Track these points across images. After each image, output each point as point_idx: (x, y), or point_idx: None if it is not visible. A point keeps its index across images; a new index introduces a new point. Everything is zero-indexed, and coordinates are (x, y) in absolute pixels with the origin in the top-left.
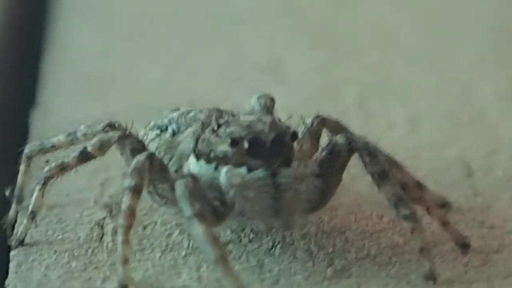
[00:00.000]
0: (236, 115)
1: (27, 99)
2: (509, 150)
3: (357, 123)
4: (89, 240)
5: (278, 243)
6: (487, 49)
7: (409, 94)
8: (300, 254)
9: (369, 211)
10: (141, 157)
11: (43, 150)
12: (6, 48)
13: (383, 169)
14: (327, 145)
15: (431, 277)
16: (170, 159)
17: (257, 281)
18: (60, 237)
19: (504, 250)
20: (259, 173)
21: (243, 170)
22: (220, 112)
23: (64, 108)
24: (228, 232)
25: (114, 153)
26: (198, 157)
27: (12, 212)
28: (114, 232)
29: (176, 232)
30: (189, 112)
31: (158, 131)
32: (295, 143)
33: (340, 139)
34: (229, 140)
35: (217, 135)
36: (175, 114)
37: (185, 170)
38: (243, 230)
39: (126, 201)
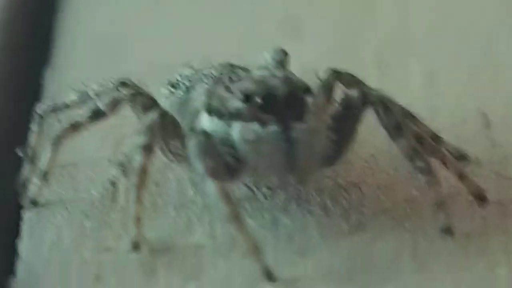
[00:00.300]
0: (249, 70)
1: (41, 59)
2: None
3: (374, 76)
4: (102, 199)
5: (293, 198)
6: (508, 5)
7: (428, 47)
8: (315, 210)
9: (384, 164)
10: (152, 114)
11: (55, 110)
12: (21, 8)
13: (398, 122)
14: (341, 99)
15: (448, 230)
16: (183, 116)
17: (272, 238)
18: (73, 196)
19: None
20: (273, 128)
21: (256, 125)
22: (232, 68)
23: (78, 68)
24: (242, 188)
25: (127, 111)
26: (210, 114)
27: (25, 172)
28: (127, 191)
29: (190, 189)
30: (201, 68)
31: (171, 88)
32: (308, 98)
33: (354, 92)
34: (241, 96)
35: (229, 91)
36: (188, 71)
37: (197, 126)
38: (257, 186)
39: (138, 159)
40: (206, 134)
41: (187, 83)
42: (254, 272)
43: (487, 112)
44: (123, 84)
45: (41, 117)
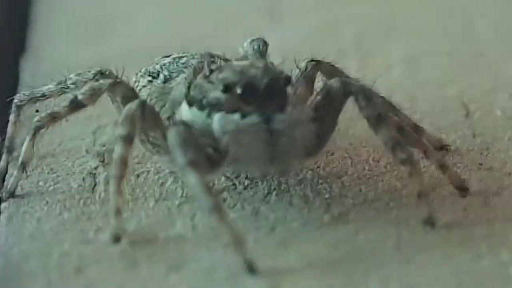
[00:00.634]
0: (229, 60)
1: (17, 46)
2: (508, 88)
3: (354, 63)
4: (81, 191)
5: (274, 190)
6: None
7: (409, 32)
8: (296, 201)
9: (366, 155)
10: (132, 105)
11: (33, 100)
12: None
13: (379, 112)
14: (322, 89)
15: (430, 221)
16: (162, 106)
17: (253, 229)
18: (51, 187)
19: (503, 192)
20: (253, 119)
21: (236, 116)
22: (212, 57)
23: (55, 54)
24: (223, 179)
25: (106, 100)
26: (190, 104)
27: (2, 163)
28: (107, 182)
29: (170, 180)
30: (181, 58)
31: (149, 78)
32: (289, 88)
33: (334, 83)
34: (221, 86)
35: (209, 81)
36: (167, 60)
37: (177, 117)
38: (238, 177)
39: (118, 150)
40: (186, 125)
41: (166, 73)
42: (236, 264)
43: (468, 101)
44: (102, 73)
45: (18, 107)
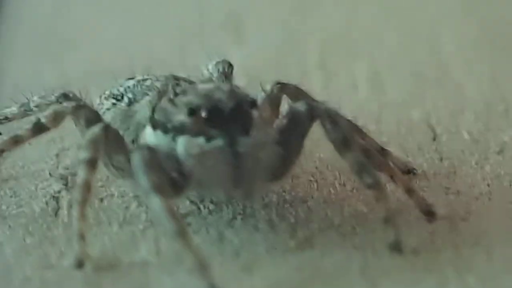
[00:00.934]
0: (193, 82)
1: None
2: (474, 109)
3: (319, 83)
4: (45, 214)
5: (239, 214)
6: (452, 4)
7: (372, 51)
8: (262, 225)
9: (331, 178)
10: (95, 128)
11: None
12: None
13: (345, 136)
14: (288, 113)
15: (396, 246)
16: (126, 129)
17: (218, 253)
18: (14, 211)
19: (470, 217)
20: (218, 142)
21: (201, 140)
22: (177, 80)
23: (18, 74)
24: (187, 203)
25: (69, 123)
26: (154, 127)
27: None
28: (70, 206)
29: (134, 204)
30: (145, 80)
31: (113, 100)
32: (254, 111)
33: (300, 106)
34: (186, 109)
35: (174, 104)
36: (131, 83)
37: (141, 140)
38: (202, 201)
39: (81, 174)
40: (150, 149)
41: (131, 96)
42: None
43: (434, 123)
44: (66, 96)
45: None
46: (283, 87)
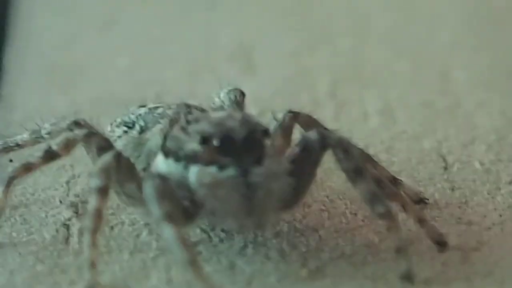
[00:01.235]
0: (206, 110)
1: None
2: (485, 139)
3: (330, 113)
4: (55, 242)
5: (250, 243)
6: (463, 34)
7: (383, 82)
8: (273, 255)
9: (343, 207)
10: (107, 156)
11: (6, 149)
12: None
13: (358, 165)
14: (300, 142)
15: (408, 277)
16: (138, 157)
17: (229, 283)
18: (24, 239)
19: (483, 247)
20: (230, 171)
21: (213, 169)
22: (188, 108)
23: (28, 102)
24: (198, 232)
25: (80, 150)
26: (166, 155)
27: None
28: (81, 234)
29: (145, 232)
30: (156, 108)
31: (125, 128)
32: (266, 140)
33: (312, 135)
34: (198, 138)
35: (186, 133)
36: (142, 110)
37: (153, 168)
38: (213, 230)
39: (92, 202)
40: (162, 177)
41: (142, 123)
42: None
43: (446, 153)
44: (77, 123)
45: None
46: (295, 116)
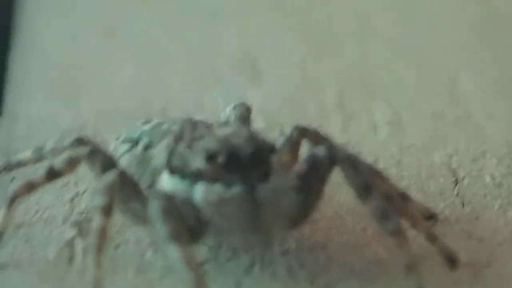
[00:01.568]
0: (211, 126)
1: None
2: (496, 152)
3: (337, 125)
4: (59, 262)
5: (257, 261)
6: (472, 43)
7: (391, 92)
8: (281, 273)
9: (351, 223)
10: (111, 174)
11: (9, 167)
12: None
13: (366, 182)
14: (307, 158)
15: None
16: (142, 174)
17: None
18: (28, 258)
19: (494, 264)
20: (236, 189)
21: (219, 186)
22: (194, 124)
23: (31, 116)
24: (205, 250)
25: (83, 167)
26: (171, 172)
27: None
28: (85, 253)
29: (150, 251)
30: (161, 124)
31: (129, 145)
32: (273, 156)
33: (320, 151)
34: (204, 155)
35: (191, 150)
36: (147, 126)
37: (158, 186)
38: (220, 247)
39: (96, 221)
40: (167, 195)
41: (146, 140)
42: None
43: (456, 167)
44: (80, 141)
45: None
46: (302, 131)
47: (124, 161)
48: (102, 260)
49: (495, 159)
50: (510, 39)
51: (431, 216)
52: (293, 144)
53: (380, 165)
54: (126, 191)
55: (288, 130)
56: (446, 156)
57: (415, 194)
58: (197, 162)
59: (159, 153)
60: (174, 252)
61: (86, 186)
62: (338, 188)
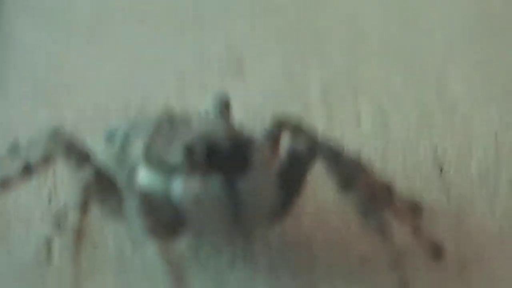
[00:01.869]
0: (189, 120)
1: None
2: (483, 145)
3: (321, 120)
4: (37, 262)
5: (238, 257)
6: (458, 39)
7: (376, 87)
8: (262, 269)
9: (335, 219)
10: (87, 171)
11: None
12: None
13: (348, 174)
14: (288, 151)
15: None
16: (120, 171)
17: None
18: (5, 258)
19: (481, 258)
20: (215, 182)
21: (198, 180)
22: (171, 118)
23: (9, 117)
24: (184, 246)
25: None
26: (149, 168)
27: None
28: (63, 253)
29: (129, 249)
30: (138, 120)
31: (106, 142)
32: (252, 150)
33: (301, 144)
34: (181, 149)
35: (169, 144)
36: (125, 124)
37: (135, 182)
38: (200, 244)
39: (73, 219)
40: (144, 191)
41: (123, 136)
42: None
43: (442, 160)
44: (56, 137)
45: None
46: (283, 124)
47: (102, 158)
48: (79, 259)
49: (481, 152)
50: (499, 36)
51: (416, 209)
52: (273, 137)
53: (364, 158)
54: (103, 188)
55: (268, 123)
56: (431, 149)
57: (400, 187)
58: (175, 156)
59: (136, 149)
60: (152, 247)
61: (63, 183)
62: (322, 183)
